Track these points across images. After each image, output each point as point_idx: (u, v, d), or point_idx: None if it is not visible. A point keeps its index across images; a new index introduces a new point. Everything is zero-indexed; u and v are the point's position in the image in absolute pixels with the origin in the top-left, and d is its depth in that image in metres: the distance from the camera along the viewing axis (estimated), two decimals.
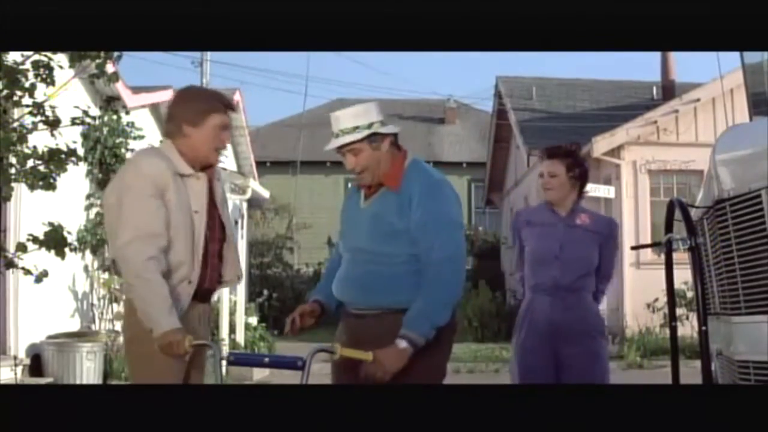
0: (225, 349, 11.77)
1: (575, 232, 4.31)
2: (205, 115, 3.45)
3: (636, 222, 14.70)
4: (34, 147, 5.95)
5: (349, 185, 3.75)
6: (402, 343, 3.15)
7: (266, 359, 3.41)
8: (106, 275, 10.55)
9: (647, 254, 13.95)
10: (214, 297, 14.62)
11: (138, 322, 3.35)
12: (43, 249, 5.93)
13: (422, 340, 3.18)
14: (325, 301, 3.58)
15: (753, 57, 4.41)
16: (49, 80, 5.84)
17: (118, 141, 10.72)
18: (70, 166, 6.13)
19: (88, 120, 6.70)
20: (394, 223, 3.36)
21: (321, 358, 3.23)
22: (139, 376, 3.49)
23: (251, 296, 16.65)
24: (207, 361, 3.30)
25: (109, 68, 6.37)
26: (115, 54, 6.13)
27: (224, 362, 3.17)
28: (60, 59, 6.03)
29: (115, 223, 3.38)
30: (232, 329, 12.66)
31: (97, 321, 10.60)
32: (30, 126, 5.98)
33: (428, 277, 3.27)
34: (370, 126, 3.40)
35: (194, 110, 3.45)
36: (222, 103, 3.53)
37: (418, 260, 3.32)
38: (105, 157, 10.56)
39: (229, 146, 17.79)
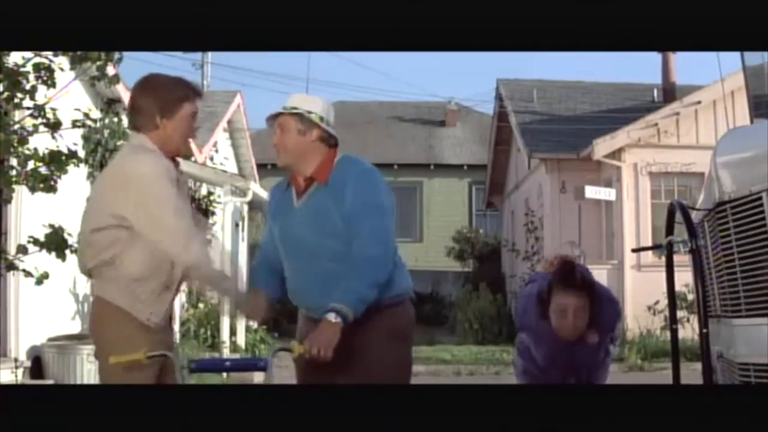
0: (226, 353, 11.78)
1: (588, 351, 4.00)
2: (178, 104, 3.36)
3: (637, 224, 14.70)
4: (35, 149, 5.96)
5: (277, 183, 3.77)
6: (331, 316, 3.18)
7: (228, 363, 3.32)
8: None
9: (648, 257, 13.94)
10: (215, 299, 14.42)
11: (106, 324, 3.31)
12: (44, 251, 5.93)
13: (351, 314, 3.20)
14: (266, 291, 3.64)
15: (754, 59, 4.40)
16: (50, 82, 5.85)
17: (119, 143, 10.71)
18: (70, 168, 6.14)
19: (88, 122, 6.70)
20: (332, 215, 3.40)
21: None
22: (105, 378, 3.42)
23: None
24: (172, 368, 3.22)
25: (110, 71, 6.38)
26: (116, 56, 6.13)
27: (185, 371, 3.10)
28: (61, 62, 6.04)
29: (156, 226, 3.25)
30: (233, 332, 12.67)
31: None
32: (31, 128, 5.98)
33: (357, 258, 3.31)
34: (308, 113, 3.48)
35: (167, 100, 3.34)
36: (191, 91, 3.43)
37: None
38: (106, 159, 10.55)
39: (230, 149, 17.90)
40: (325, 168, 3.50)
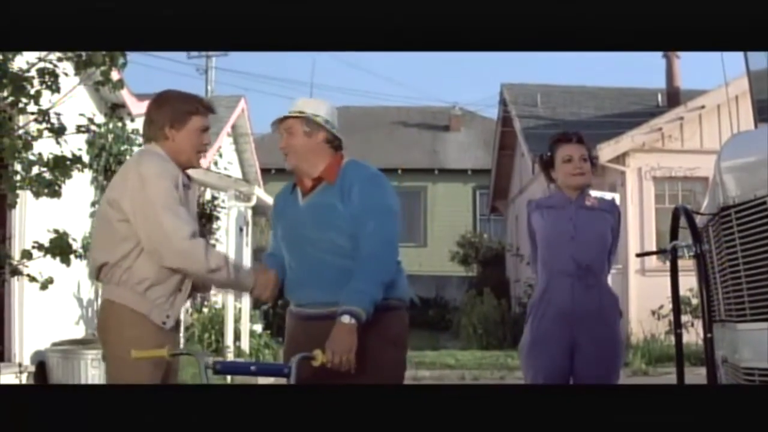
0: (230, 357, 11.77)
1: (587, 212, 4.32)
2: (187, 117, 3.51)
3: (641, 229, 14.67)
4: (40, 154, 5.97)
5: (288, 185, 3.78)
6: (345, 318, 3.19)
7: (253, 367, 3.38)
8: None
9: (652, 261, 13.92)
10: (219, 304, 14.41)
11: (117, 326, 3.36)
12: (48, 256, 5.94)
13: (363, 314, 3.21)
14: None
15: (758, 63, 4.40)
16: (54, 87, 5.86)
17: (123, 148, 10.74)
18: (75, 173, 6.15)
19: (93, 127, 6.73)
20: (338, 211, 3.43)
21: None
22: (116, 379, 3.41)
23: (256, 303, 16.65)
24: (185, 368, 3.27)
25: (114, 75, 6.40)
26: (120, 61, 6.15)
27: (209, 371, 3.09)
28: (65, 67, 6.05)
29: (145, 220, 3.34)
30: (237, 336, 12.67)
31: None
32: (35, 133, 5.99)
33: (364, 256, 3.33)
34: (313, 116, 3.53)
35: (175, 113, 3.50)
36: (202, 106, 3.59)
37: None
38: (110, 164, 10.57)
39: (234, 153, 17.92)
40: (333, 169, 3.54)
